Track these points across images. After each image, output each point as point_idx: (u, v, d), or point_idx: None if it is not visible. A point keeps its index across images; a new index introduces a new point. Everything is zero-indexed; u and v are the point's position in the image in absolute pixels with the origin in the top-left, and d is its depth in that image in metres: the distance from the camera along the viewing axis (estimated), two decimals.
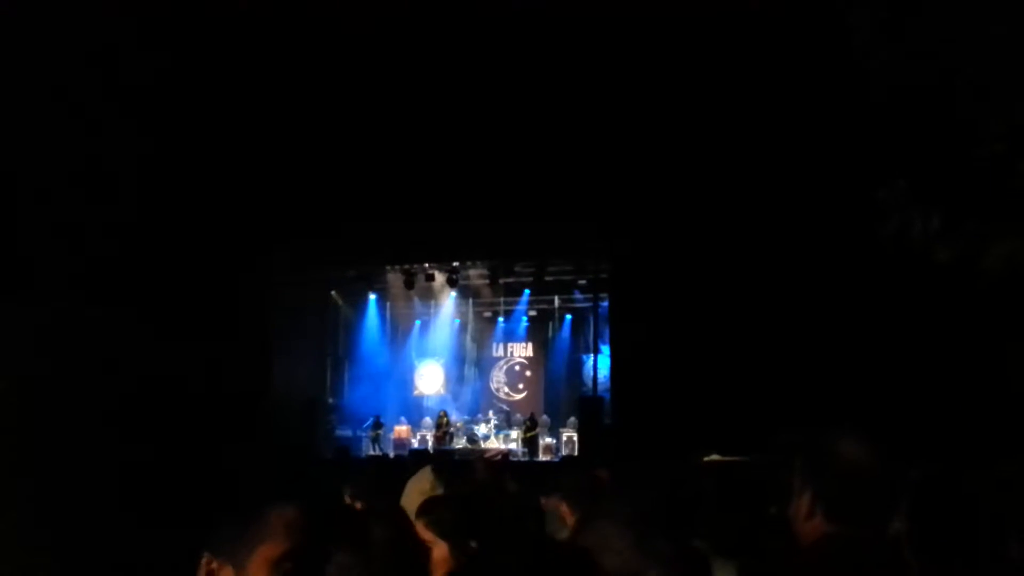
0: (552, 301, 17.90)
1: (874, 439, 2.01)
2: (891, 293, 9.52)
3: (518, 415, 17.53)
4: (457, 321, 18.82)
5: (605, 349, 15.52)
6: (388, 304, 18.75)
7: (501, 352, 18.92)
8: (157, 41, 10.78)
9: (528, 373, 18.63)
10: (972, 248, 5.18)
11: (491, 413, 17.63)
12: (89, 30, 10.24)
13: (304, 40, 11.54)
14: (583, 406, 15.01)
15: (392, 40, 11.66)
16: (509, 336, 18.76)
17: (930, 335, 9.21)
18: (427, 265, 16.44)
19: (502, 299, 18.05)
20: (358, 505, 3.98)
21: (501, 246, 14.63)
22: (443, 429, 16.65)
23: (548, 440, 16.35)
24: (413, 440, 17.05)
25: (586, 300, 17.06)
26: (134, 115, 11.76)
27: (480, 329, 18.89)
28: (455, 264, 16.30)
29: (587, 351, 17.33)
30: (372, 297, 18.24)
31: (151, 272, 12.65)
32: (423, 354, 19.16)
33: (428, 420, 17.55)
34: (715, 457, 9.12)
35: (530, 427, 16.31)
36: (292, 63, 11.88)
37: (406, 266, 16.58)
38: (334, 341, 18.06)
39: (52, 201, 11.34)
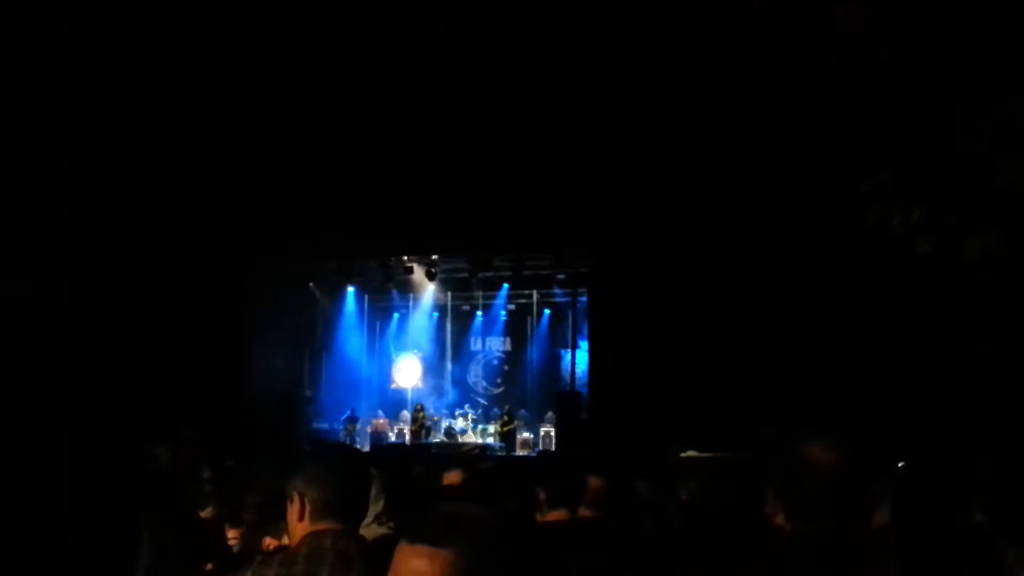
0: (531, 295, 17.86)
1: (841, 440, 2.04)
2: (872, 286, 9.59)
3: (495, 409, 17.51)
4: (435, 314, 18.74)
5: (583, 344, 15.53)
6: (366, 297, 18.61)
7: (479, 346, 18.85)
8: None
9: (506, 367, 18.58)
10: (951, 241, 5.24)
11: (468, 407, 17.59)
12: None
13: (286, 35, 11.44)
14: (561, 401, 15.00)
15: (375, 37, 11.59)
16: (487, 330, 18.69)
17: (909, 326, 9.29)
18: (406, 258, 16.34)
19: (481, 293, 17.98)
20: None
21: (480, 239, 14.57)
22: (420, 423, 16.58)
23: (526, 435, 16.34)
24: (390, 433, 16.98)
25: (565, 295, 17.05)
26: (118, 114, 11.64)
27: (458, 323, 18.83)
28: (434, 257, 16.22)
29: (565, 346, 17.31)
30: (350, 289, 18.09)
31: (128, 264, 12.50)
32: (401, 347, 19.07)
33: (405, 413, 17.47)
34: (692, 453, 9.17)
35: (507, 421, 16.29)
36: (274, 58, 11.78)
37: (385, 258, 16.48)
38: (312, 334, 17.89)
39: (37, 196, 11.20)
